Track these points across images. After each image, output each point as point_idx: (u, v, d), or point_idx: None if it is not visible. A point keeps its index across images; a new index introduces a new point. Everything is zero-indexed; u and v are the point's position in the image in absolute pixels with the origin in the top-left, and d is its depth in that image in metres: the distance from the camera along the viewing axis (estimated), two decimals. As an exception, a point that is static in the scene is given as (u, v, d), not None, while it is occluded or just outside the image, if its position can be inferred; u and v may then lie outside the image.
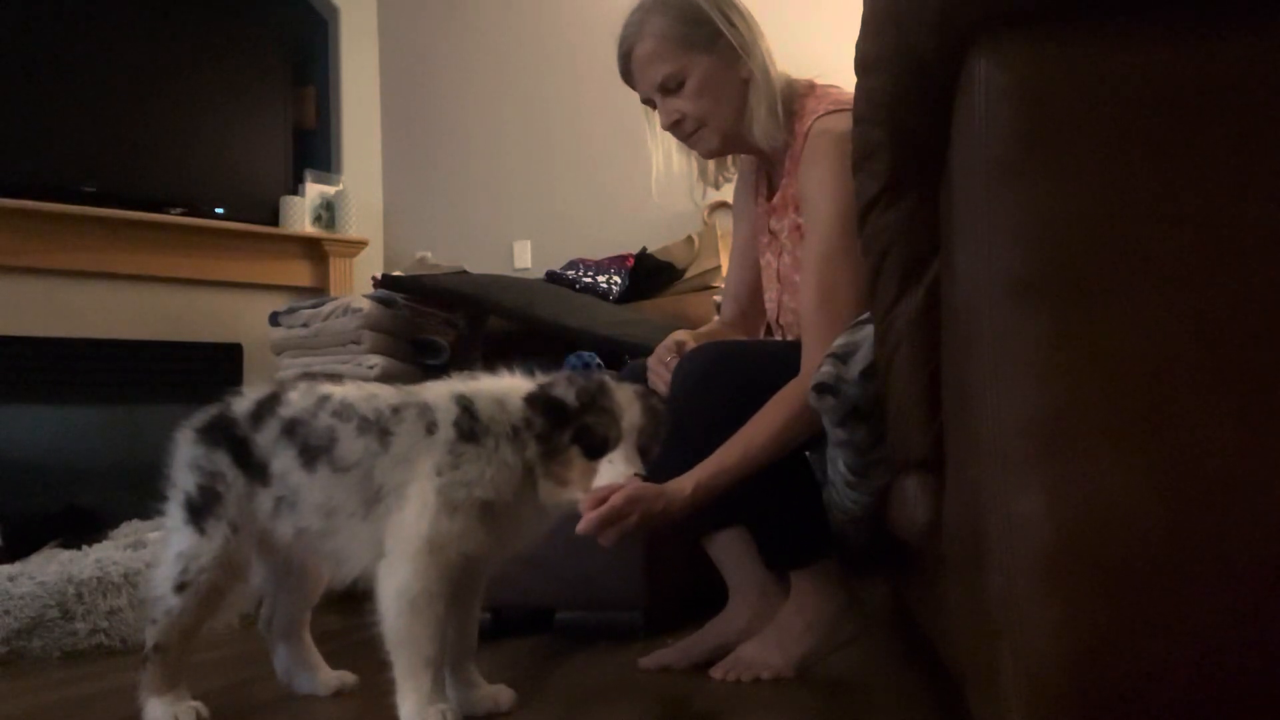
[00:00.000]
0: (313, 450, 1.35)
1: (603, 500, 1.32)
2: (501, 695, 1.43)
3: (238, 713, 1.53)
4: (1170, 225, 0.67)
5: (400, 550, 1.28)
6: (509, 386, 1.35)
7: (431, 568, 1.26)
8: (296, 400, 1.40)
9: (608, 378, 1.36)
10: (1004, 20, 0.71)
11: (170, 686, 1.41)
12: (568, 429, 1.29)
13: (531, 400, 1.30)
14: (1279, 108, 0.67)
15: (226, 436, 1.41)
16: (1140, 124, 0.69)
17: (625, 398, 1.32)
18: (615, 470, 1.29)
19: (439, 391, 1.36)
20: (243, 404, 1.43)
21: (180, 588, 1.39)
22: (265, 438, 1.38)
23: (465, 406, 1.32)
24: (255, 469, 1.38)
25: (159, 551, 1.48)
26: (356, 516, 1.33)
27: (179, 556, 1.40)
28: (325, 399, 1.39)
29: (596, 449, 1.30)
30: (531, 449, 1.30)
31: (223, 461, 1.40)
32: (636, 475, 1.29)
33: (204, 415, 1.45)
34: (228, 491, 1.39)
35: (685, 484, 1.46)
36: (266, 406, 1.41)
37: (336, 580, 1.43)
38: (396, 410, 1.34)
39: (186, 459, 1.43)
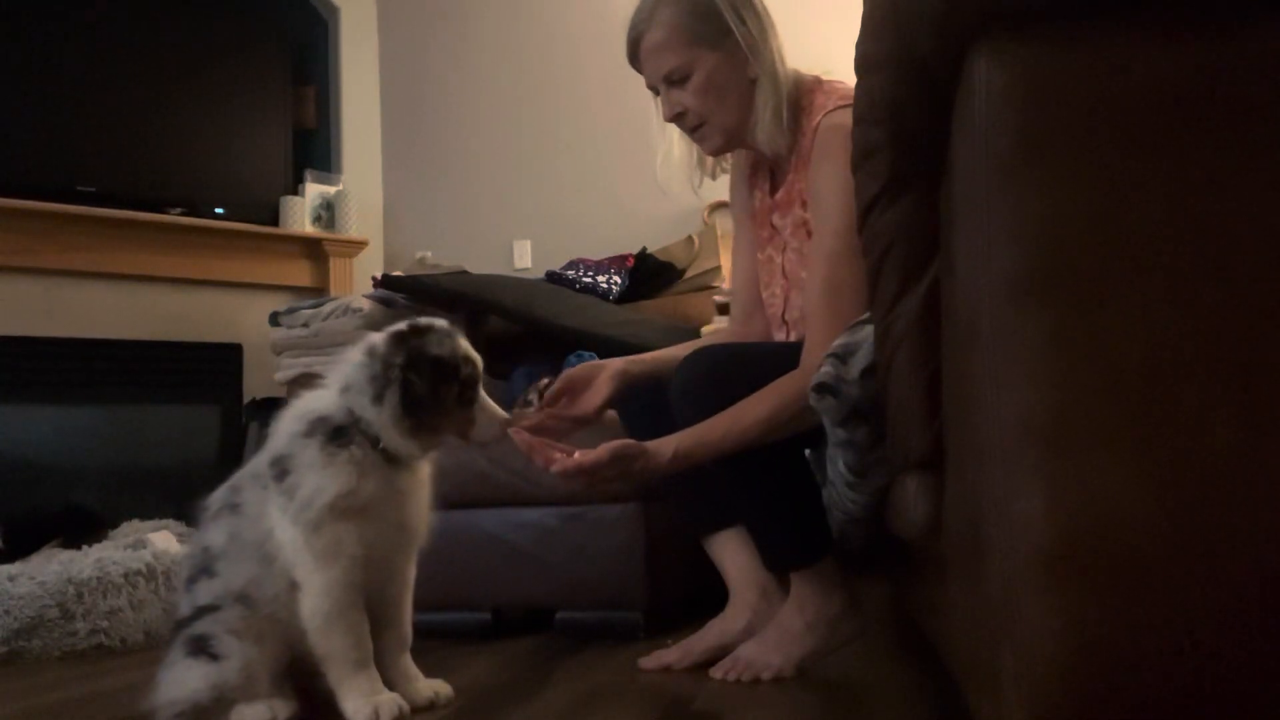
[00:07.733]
0: None
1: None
2: (440, 688, 1.47)
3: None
4: (1170, 225, 0.67)
5: (301, 577, 1.35)
6: (308, 401, 1.41)
7: (333, 581, 1.34)
8: None
9: (435, 322, 1.41)
10: (1004, 20, 0.71)
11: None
12: (453, 386, 1.37)
13: (415, 365, 1.35)
14: (1279, 108, 0.67)
15: None
16: (1140, 124, 0.69)
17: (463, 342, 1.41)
18: (491, 412, 1.41)
19: (259, 460, 1.42)
20: None
21: None
22: None
23: (274, 460, 1.38)
24: None
25: None
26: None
27: None
28: None
29: (470, 399, 1.40)
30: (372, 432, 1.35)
31: None
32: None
33: None
34: None
35: (666, 447, 1.51)
36: None
37: None
38: (236, 487, 1.43)
39: None
